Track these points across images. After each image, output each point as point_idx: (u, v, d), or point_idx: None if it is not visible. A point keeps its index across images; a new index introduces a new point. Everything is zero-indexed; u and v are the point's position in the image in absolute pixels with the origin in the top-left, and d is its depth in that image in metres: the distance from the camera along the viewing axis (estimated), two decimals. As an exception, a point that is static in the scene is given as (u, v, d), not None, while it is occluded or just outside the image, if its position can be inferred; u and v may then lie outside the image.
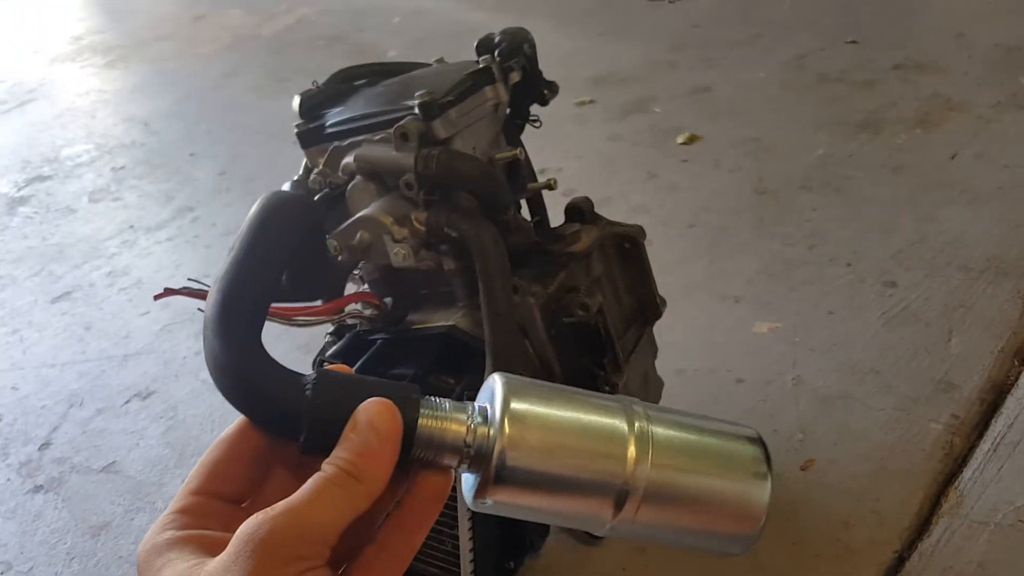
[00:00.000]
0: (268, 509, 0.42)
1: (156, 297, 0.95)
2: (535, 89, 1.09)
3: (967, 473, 1.12)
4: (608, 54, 2.68)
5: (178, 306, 1.91)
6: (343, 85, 1.15)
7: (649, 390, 1.21)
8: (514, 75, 1.05)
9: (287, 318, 0.96)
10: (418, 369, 0.99)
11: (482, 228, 0.93)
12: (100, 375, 1.74)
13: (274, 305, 0.95)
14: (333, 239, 0.98)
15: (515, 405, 0.45)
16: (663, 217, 1.80)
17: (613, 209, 1.91)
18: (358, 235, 0.96)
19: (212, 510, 0.47)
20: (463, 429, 0.46)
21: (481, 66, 1.01)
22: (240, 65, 3.35)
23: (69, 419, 1.64)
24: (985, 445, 1.16)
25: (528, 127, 1.15)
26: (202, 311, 0.94)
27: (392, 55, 3.04)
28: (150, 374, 1.71)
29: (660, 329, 1.46)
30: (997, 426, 1.18)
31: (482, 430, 0.46)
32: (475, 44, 1.07)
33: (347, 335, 1.05)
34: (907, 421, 1.21)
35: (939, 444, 1.17)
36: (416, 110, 0.94)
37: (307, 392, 0.46)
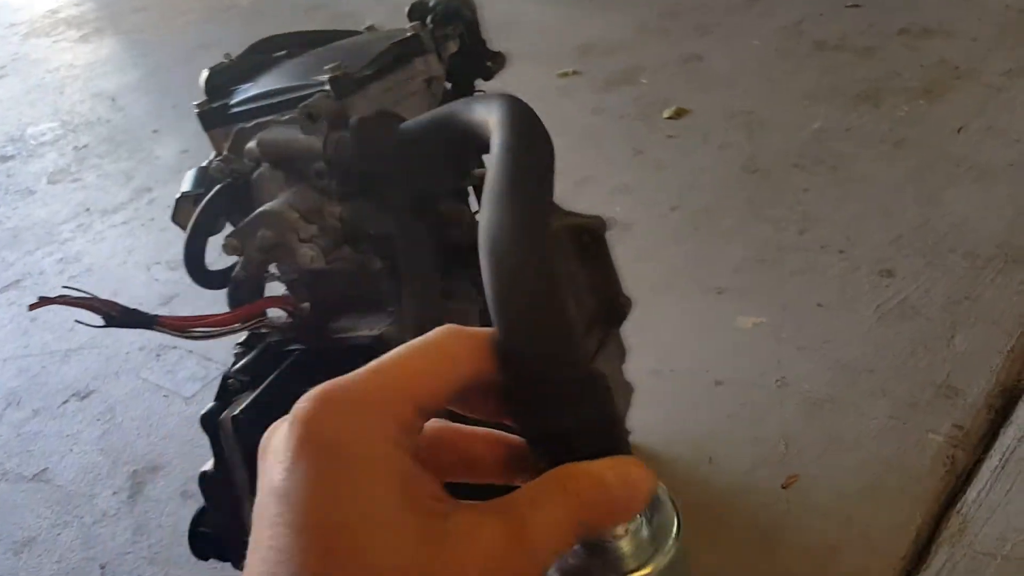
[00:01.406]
0: None
1: (31, 307, 0.83)
2: (477, 61, 0.95)
3: (971, 493, 1.00)
4: (595, 21, 2.52)
5: (128, 297, 1.79)
6: (261, 57, 1.02)
7: (616, 397, 1.08)
8: (450, 44, 0.91)
9: (180, 329, 0.83)
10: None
11: (406, 224, 0.80)
12: (40, 372, 1.62)
13: (164, 316, 0.83)
14: (233, 238, 0.85)
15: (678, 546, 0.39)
16: (646, 198, 1.66)
17: (594, 189, 1.78)
18: (259, 233, 0.83)
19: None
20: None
21: (409, 34, 0.88)
22: (215, 36, 3.20)
23: (4, 421, 1.52)
24: (992, 460, 1.02)
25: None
26: (80, 322, 0.82)
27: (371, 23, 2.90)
28: (91, 371, 1.59)
29: (635, 324, 1.33)
30: (1006, 438, 1.05)
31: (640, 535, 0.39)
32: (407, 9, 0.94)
33: (259, 345, 0.92)
34: (903, 431, 1.08)
35: (940, 458, 1.04)
36: (327, 86, 0.81)
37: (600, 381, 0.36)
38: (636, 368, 1.17)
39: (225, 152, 0.92)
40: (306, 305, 0.92)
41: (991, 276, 1.28)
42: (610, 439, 0.37)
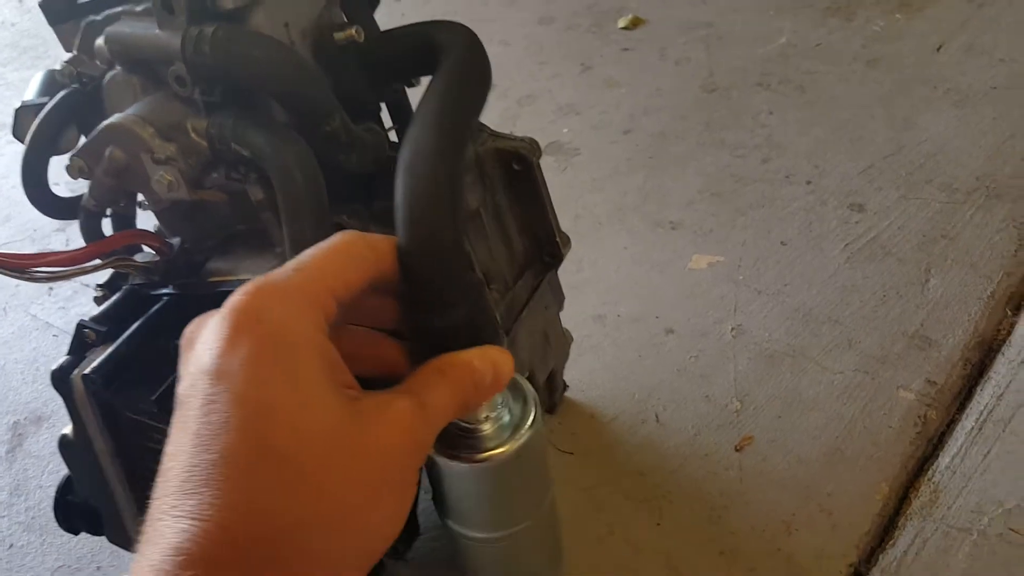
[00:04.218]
0: None
1: None
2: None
3: (944, 459, 0.89)
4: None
5: (21, 221, 1.61)
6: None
7: (550, 350, 0.95)
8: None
9: (16, 268, 0.68)
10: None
11: (284, 145, 0.65)
12: (-82, 307, 1.45)
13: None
14: (78, 158, 0.69)
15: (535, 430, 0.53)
16: (595, 119, 1.51)
17: (537, 109, 1.62)
18: (108, 152, 0.67)
19: None
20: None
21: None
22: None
23: None
24: (968, 422, 0.92)
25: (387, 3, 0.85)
26: None
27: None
28: (-26, 306, 1.42)
29: (580, 263, 1.20)
30: (983, 396, 0.94)
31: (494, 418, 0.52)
32: None
33: (124, 288, 0.77)
34: (871, 387, 0.97)
35: (911, 419, 0.93)
36: (190, -33, 0.64)
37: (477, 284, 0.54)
38: (578, 312, 1.05)
39: (75, 52, 0.75)
40: (176, 241, 0.77)
41: (970, 212, 1.16)
42: (482, 333, 0.45)
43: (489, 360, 0.44)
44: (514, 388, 0.58)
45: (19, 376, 1.27)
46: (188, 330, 0.39)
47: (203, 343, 0.36)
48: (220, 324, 0.36)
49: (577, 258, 1.19)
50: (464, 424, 0.54)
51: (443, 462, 0.55)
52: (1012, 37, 1.47)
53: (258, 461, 0.33)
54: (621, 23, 1.74)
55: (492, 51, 1.76)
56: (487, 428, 0.54)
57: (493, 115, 1.53)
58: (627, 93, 1.55)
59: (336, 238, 0.42)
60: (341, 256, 0.41)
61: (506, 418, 0.55)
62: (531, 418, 0.55)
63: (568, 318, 0.96)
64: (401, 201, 0.47)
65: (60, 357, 0.73)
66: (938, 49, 1.48)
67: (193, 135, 0.66)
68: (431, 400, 0.40)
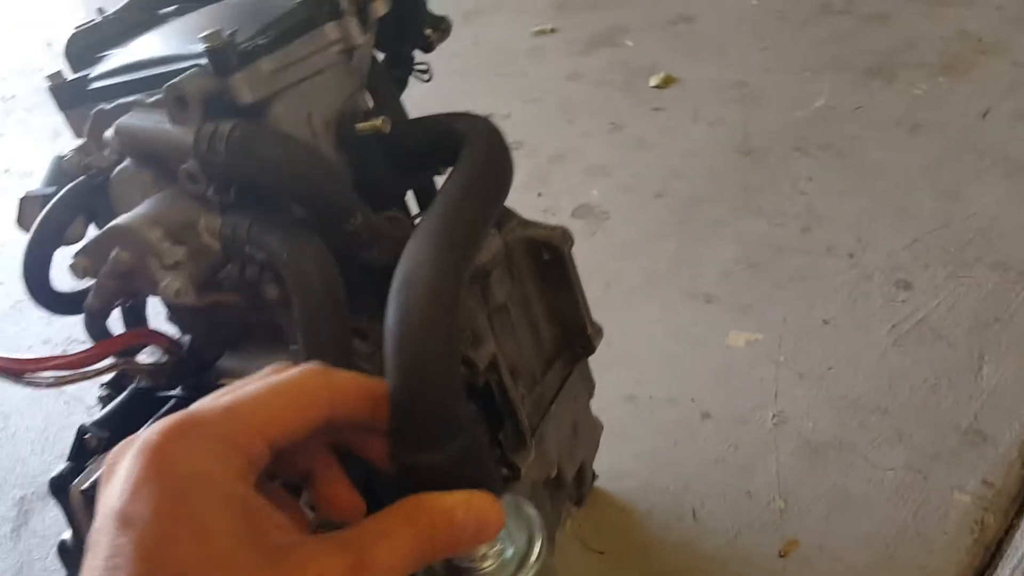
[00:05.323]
0: None
1: None
2: (413, 27, 0.75)
3: (1004, 571, 0.82)
4: (577, -27, 2.29)
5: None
6: (144, 15, 0.81)
7: (579, 442, 0.89)
8: (378, 5, 0.70)
9: (15, 373, 0.64)
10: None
11: (300, 247, 0.60)
12: (-69, 366, 1.42)
13: (-4, 355, 0.64)
14: (82, 257, 0.65)
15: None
16: (625, 181, 1.46)
17: (565, 168, 1.57)
18: (113, 254, 0.63)
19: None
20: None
21: (320, -9, 0.67)
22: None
23: None
24: (1030, 529, 0.85)
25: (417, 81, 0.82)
26: None
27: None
28: (-12, 368, 1.38)
29: (611, 337, 1.14)
30: (1046, 501, 0.87)
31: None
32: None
33: (129, 389, 0.73)
34: (924, 488, 0.90)
35: (966, 524, 0.87)
36: (204, 59, 0.61)
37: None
38: (608, 393, 0.99)
39: (84, 140, 0.71)
40: (187, 339, 0.72)
41: (1024, 293, 1.10)
42: (471, 477, 0.41)
43: (474, 509, 0.40)
44: (517, 514, 0.53)
45: (28, 446, 1.23)
46: (109, 457, 0.36)
47: (115, 482, 0.34)
48: (132, 464, 0.33)
49: (607, 331, 1.14)
50: (460, 562, 0.50)
51: None
52: (1061, 101, 1.42)
53: None
54: (652, 81, 1.70)
55: (521, 109, 1.72)
56: (487, 565, 0.49)
57: (521, 175, 1.48)
58: (658, 154, 1.51)
59: (289, 374, 0.38)
60: (286, 396, 0.37)
61: (508, 552, 0.50)
62: (536, 550, 0.49)
63: (598, 398, 0.91)
64: (392, 324, 0.43)
65: (60, 464, 0.69)
66: (984, 115, 1.42)
67: (205, 236, 0.62)
68: (377, 557, 0.36)
